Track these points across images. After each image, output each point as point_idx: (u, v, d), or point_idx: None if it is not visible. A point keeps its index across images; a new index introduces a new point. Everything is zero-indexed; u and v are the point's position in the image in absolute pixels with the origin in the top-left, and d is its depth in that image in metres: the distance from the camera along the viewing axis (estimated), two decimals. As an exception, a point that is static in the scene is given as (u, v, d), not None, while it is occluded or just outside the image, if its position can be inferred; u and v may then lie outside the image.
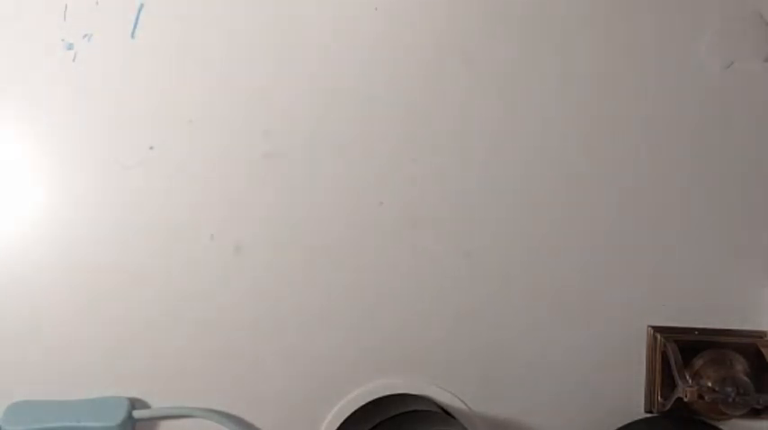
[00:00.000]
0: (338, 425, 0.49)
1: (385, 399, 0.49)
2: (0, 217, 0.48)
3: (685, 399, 0.47)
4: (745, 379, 0.48)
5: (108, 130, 0.49)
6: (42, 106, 0.48)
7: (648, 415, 0.50)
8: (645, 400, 0.50)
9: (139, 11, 0.48)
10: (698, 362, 0.50)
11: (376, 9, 0.50)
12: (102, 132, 0.49)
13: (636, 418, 0.50)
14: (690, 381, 0.48)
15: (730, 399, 0.47)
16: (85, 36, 0.48)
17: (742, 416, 0.50)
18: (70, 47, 0.48)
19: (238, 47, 0.49)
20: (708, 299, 0.51)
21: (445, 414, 0.49)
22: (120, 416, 0.47)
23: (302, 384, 0.49)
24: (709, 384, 0.48)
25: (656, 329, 0.50)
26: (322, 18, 0.49)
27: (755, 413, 0.49)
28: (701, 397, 0.47)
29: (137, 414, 0.48)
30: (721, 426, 0.50)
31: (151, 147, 0.49)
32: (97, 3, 0.48)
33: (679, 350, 0.49)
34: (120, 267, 0.49)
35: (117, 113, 0.49)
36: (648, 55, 0.50)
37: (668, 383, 0.50)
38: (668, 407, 0.49)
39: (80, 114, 0.48)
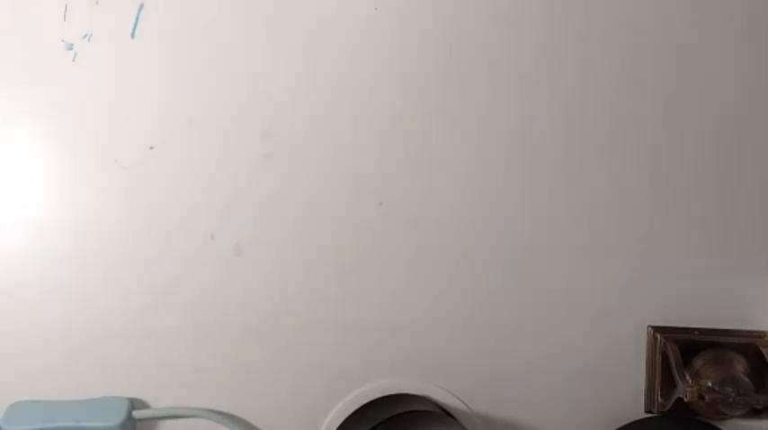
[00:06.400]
0: (338, 425, 0.49)
1: (385, 399, 0.49)
2: None
3: (685, 399, 0.47)
4: (745, 379, 0.48)
5: (108, 130, 0.49)
6: (42, 106, 0.48)
7: (648, 415, 0.50)
8: (645, 400, 0.50)
9: (139, 11, 0.48)
10: (698, 362, 0.50)
11: (376, 9, 0.50)
12: (102, 132, 0.49)
13: (636, 418, 0.50)
14: (690, 381, 0.48)
15: (730, 399, 0.47)
16: (85, 36, 0.48)
17: (742, 416, 0.50)
18: (70, 47, 0.48)
19: (238, 47, 0.49)
20: (708, 299, 0.51)
21: (445, 414, 0.49)
22: (120, 416, 0.47)
23: (302, 384, 0.49)
24: (710, 384, 0.48)
25: (656, 329, 0.50)
26: (322, 18, 0.49)
27: (755, 413, 0.49)
28: (701, 397, 0.47)
29: (137, 414, 0.48)
30: (721, 426, 0.50)
31: (151, 148, 0.49)
32: (97, 3, 0.48)
33: (679, 350, 0.49)
34: (120, 267, 0.49)
35: (117, 113, 0.49)
36: (652, 55, 0.50)
37: (668, 383, 0.50)
38: (668, 407, 0.49)
39: (80, 114, 0.48)
